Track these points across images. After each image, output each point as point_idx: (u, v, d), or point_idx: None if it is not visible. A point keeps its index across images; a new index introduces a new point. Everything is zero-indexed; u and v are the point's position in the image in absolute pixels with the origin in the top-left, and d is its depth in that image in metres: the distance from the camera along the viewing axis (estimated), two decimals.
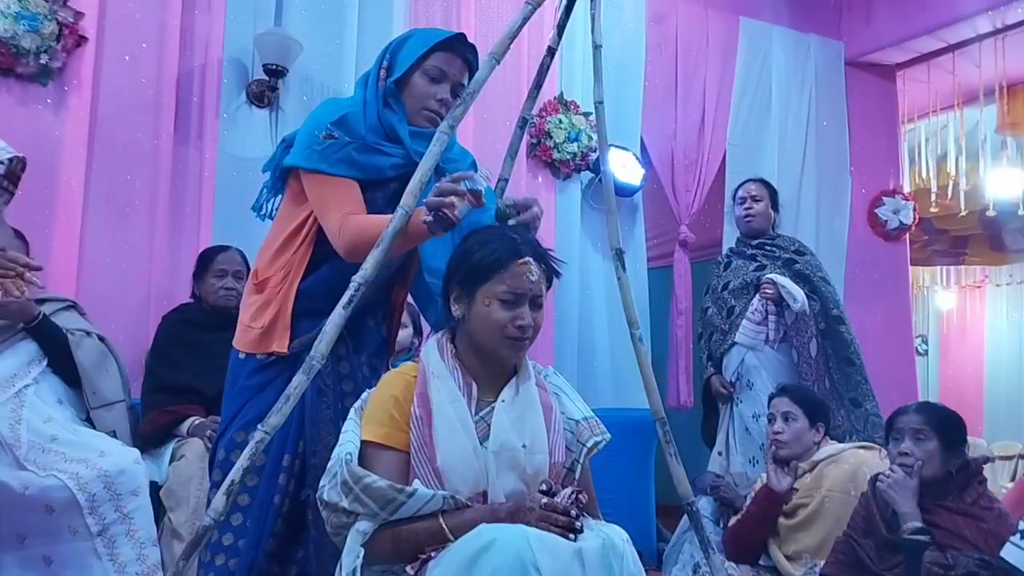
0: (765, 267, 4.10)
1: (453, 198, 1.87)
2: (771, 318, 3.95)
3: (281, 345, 2.10)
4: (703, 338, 4.26)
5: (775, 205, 4.27)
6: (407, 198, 2.01)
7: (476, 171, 2.17)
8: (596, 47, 2.39)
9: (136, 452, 2.78)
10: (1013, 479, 7.19)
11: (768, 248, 4.18)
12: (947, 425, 2.60)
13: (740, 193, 4.28)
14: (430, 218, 1.88)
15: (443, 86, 2.14)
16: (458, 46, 2.16)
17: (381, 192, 2.12)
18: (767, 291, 3.94)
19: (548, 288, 1.91)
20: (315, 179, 2.06)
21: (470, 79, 2.17)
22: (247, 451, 1.87)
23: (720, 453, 4.08)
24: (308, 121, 2.15)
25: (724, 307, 4.16)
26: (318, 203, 2.07)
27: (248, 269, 3.26)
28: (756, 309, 3.98)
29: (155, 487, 2.87)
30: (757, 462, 3.83)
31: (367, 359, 2.23)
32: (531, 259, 1.85)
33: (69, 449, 2.68)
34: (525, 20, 2.26)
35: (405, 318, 3.77)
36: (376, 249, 1.96)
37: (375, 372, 2.21)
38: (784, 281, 3.93)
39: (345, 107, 2.13)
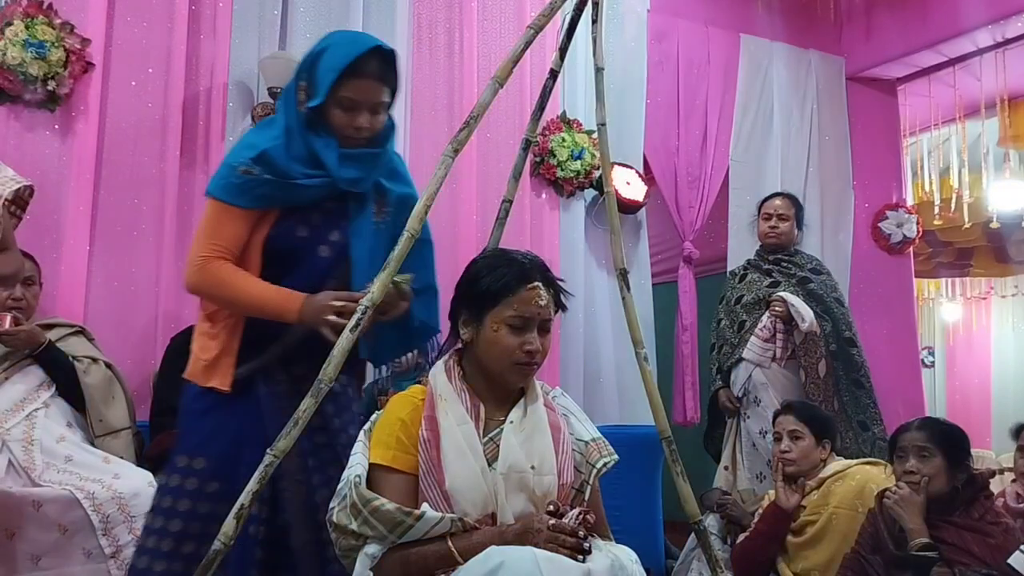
0: (779, 284, 4.09)
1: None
2: (779, 336, 3.94)
3: (223, 382, 2.06)
4: (714, 349, 4.25)
5: (800, 223, 4.26)
6: (413, 222, 2.04)
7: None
8: (598, 70, 2.41)
9: (149, 475, 2.79)
10: None
11: (785, 264, 4.17)
12: (951, 441, 2.61)
13: (766, 208, 4.25)
14: (333, 337, 1.94)
15: (358, 113, 2.06)
16: (368, 66, 2.05)
17: (317, 212, 2.10)
18: (776, 308, 3.94)
19: (556, 312, 1.92)
20: (216, 205, 2.05)
21: (392, 92, 2.11)
22: (256, 476, 1.88)
23: (726, 468, 4.08)
24: (232, 150, 2.13)
25: (735, 320, 4.16)
26: (203, 225, 2.08)
27: None
28: (765, 326, 3.98)
29: None
30: (764, 478, 3.83)
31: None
32: (540, 284, 1.86)
33: (83, 470, 2.71)
34: (527, 44, 2.29)
35: None
36: (383, 272, 1.98)
37: (344, 388, 2.18)
38: (794, 300, 3.93)
39: (266, 141, 2.06)
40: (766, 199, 4.32)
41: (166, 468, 2.11)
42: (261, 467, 1.84)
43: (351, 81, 2.02)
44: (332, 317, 1.94)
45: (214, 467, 2.02)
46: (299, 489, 1.99)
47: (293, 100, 2.08)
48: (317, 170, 2.05)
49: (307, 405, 1.89)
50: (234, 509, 1.83)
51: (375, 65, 2.05)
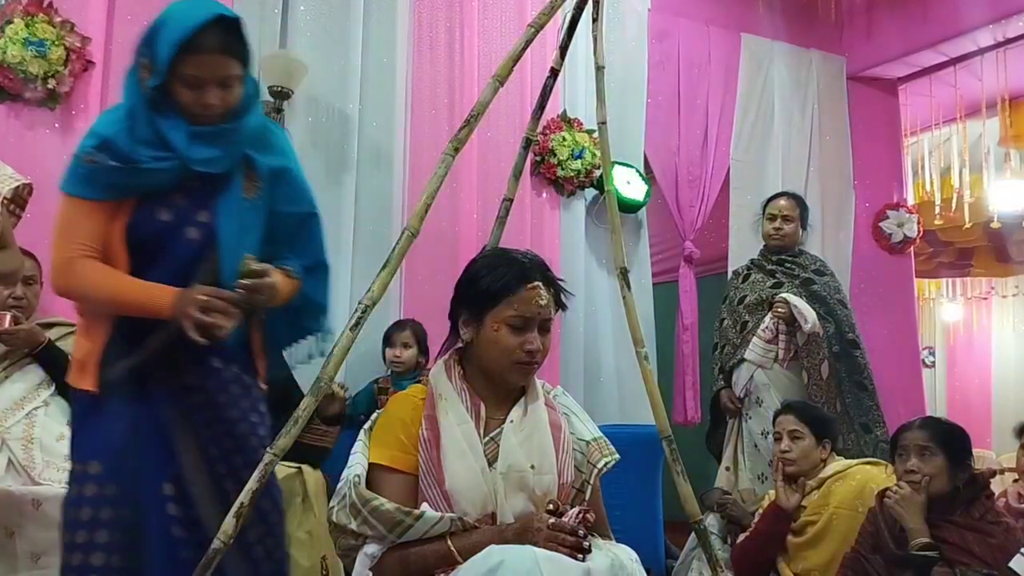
0: (782, 284, 4.05)
1: (221, 318, 1.81)
2: (782, 337, 3.89)
3: (92, 382, 1.90)
4: (716, 348, 4.23)
5: (804, 223, 4.21)
6: (414, 221, 2.03)
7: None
8: (598, 68, 2.41)
9: None
10: None
11: (788, 265, 4.13)
12: (952, 440, 2.60)
13: (771, 209, 4.19)
14: (201, 340, 1.81)
15: (205, 90, 1.88)
16: (209, 39, 1.86)
17: (180, 194, 1.93)
18: (779, 310, 3.89)
19: (557, 311, 1.91)
20: (68, 201, 1.91)
21: (243, 61, 1.93)
22: (256, 473, 1.87)
23: (727, 468, 4.07)
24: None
25: (738, 321, 4.13)
26: (59, 224, 1.92)
27: None
28: (767, 327, 3.93)
29: None
30: (766, 479, 3.82)
31: (223, 364, 1.99)
32: (540, 283, 1.85)
33: None
34: (528, 43, 2.28)
35: (410, 339, 3.79)
36: (384, 270, 1.97)
37: (237, 376, 2.00)
38: (797, 301, 3.88)
39: (107, 127, 1.91)
40: (771, 199, 4.28)
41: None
42: (261, 466, 1.83)
43: (192, 57, 1.85)
44: (196, 314, 1.80)
45: (109, 470, 1.87)
46: (204, 480, 1.89)
47: (136, 79, 1.91)
48: (166, 152, 1.89)
49: (306, 403, 1.88)
50: (234, 508, 1.81)
51: (217, 37, 1.87)
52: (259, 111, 2.05)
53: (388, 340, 3.80)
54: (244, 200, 1.97)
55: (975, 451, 2.75)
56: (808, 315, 3.84)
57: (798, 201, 4.24)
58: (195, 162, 1.89)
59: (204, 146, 1.90)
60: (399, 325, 3.85)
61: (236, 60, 1.91)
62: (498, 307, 1.83)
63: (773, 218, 4.17)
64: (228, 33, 1.89)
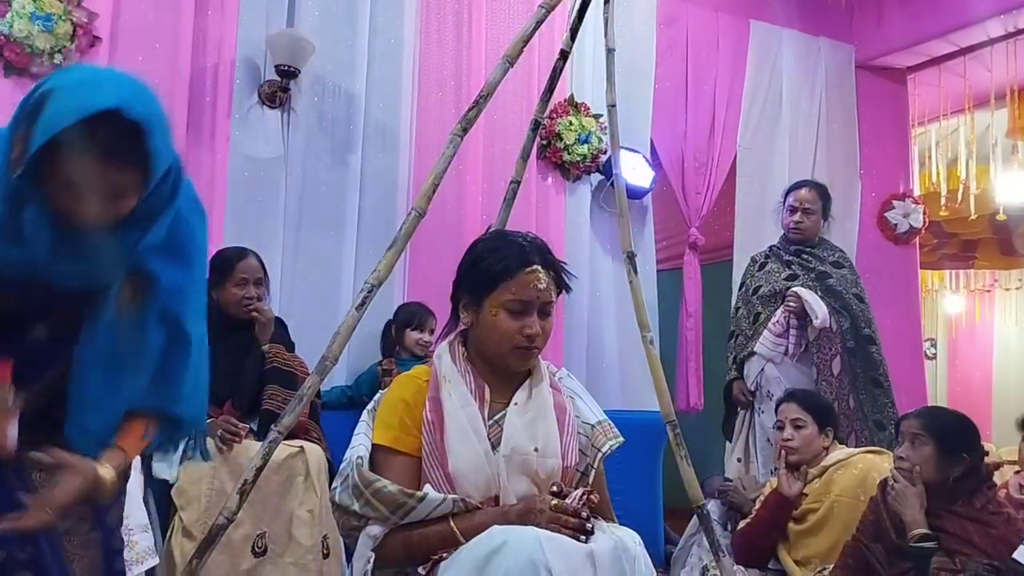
0: (797, 277, 3.96)
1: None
2: (792, 331, 3.84)
3: None
4: (732, 337, 4.15)
5: (826, 214, 4.08)
6: (421, 201, 2.03)
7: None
8: (609, 51, 2.40)
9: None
10: None
11: (805, 257, 4.02)
12: (946, 430, 2.57)
13: (791, 200, 4.04)
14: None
15: (81, 198, 1.35)
16: (94, 139, 1.31)
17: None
18: (790, 304, 3.84)
19: (558, 295, 1.90)
20: None
21: (147, 167, 1.35)
22: (259, 452, 1.88)
23: (739, 460, 4.04)
24: None
25: (751, 312, 4.05)
26: None
27: (266, 273, 3.27)
28: (778, 321, 3.88)
29: (166, 485, 2.88)
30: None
31: None
32: (539, 267, 1.83)
33: None
34: (538, 24, 2.28)
35: (436, 325, 3.77)
36: (390, 251, 1.98)
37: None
38: (808, 295, 3.82)
39: None
40: (792, 188, 4.14)
41: None
42: (265, 443, 1.84)
43: (68, 157, 1.32)
44: None
45: None
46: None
47: (6, 150, 1.38)
48: (21, 250, 1.38)
49: (311, 382, 1.89)
50: (237, 484, 1.83)
51: (105, 137, 1.31)
52: (170, 213, 1.46)
53: (414, 325, 3.78)
54: (118, 317, 1.49)
55: None
56: (819, 310, 3.77)
57: (821, 192, 4.09)
58: (56, 274, 1.42)
59: (72, 259, 1.41)
60: (425, 311, 3.83)
61: (131, 167, 1.35)
62: (496, 291, 1.81)
63: (794, 210, 4.02)
64: (127, 135, 1.32)
